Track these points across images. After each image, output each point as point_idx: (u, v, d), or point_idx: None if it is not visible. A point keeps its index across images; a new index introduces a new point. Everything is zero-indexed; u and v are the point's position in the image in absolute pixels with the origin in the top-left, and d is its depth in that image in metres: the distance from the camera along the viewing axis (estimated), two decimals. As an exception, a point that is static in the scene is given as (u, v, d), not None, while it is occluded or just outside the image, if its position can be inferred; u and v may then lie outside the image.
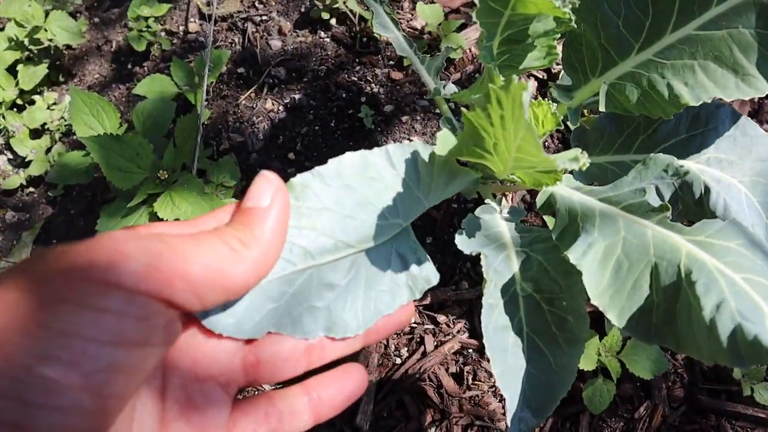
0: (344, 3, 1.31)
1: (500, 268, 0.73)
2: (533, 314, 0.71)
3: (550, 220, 1.14)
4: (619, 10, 0.72)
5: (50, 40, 1.46)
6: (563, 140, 1.23)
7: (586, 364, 1.02)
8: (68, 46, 1.55)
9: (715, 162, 0.80)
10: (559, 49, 0.77)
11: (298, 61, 1.34)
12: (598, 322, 1.10)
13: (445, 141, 0.61)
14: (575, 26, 0.67)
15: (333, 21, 1.36)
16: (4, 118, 1.44)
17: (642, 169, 0.69)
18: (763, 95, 0.67)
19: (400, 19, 1.36)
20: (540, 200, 0.76)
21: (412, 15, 1.37)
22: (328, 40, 1.36)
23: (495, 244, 0.75)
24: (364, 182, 0.56)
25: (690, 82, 0.70)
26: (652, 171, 0.69)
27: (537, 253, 0.74)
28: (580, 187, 0.75)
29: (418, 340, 1.10)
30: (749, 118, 0.81)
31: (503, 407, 1.06)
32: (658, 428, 1.07)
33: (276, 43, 1.36)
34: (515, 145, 0.51)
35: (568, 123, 0.83)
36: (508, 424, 0.67)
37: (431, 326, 1.10)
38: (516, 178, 0.73)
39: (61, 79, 1.54)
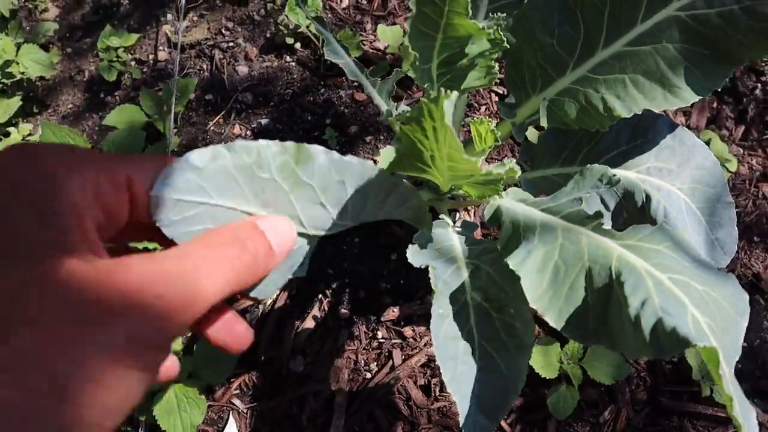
0: (307, 27, 1.35)
1: (450, 279, 0.76)
2: (483, 322, 0.74)
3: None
4: (552, 29, 0.76)
5: (22, 72, 1.49)
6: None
7: (548, 371, 1.05)
8: (41, 78, 1.58)
9: (655, 171, 0.83)
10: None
11: (264, 86, 1.37)
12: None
13: (387, 156, 0.64)
14: (508, 46, 0.71)
15: (298, 45, 1.40)
16: (-23, 150, 1.46)
17: (579, 179, 0.73)
18: (689, 105, 0.71)
19: (363, 40, 1.41)
20: (487, 213, 0.79)
21: (375, 36, 1.41)
22: (293, 64, 1.39)
23: (446, 257, 0.78)
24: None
25: (622, 95, 0.74)
26: (588, 181, 0.72)
27: (485, 263, 0.77)
28: (524, 199, 0.78)
29: (387, 354, 1.12)
30: (686, 128, 0.85)
31: (471, 417, 1.08)
32: (623, 431, 1.09)
33: (243, 69, 1.40)
34: (445, 153, 0.54)
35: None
36: (461, 426, 0.70)
37: (398, 340, 1.13)
38: (463, 192, 0.77)
39: (35, 110, 1.57)
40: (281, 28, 1.39)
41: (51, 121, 1.53)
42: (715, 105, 1.46)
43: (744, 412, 0.56)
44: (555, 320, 0.65)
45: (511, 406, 0.72)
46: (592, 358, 1.07)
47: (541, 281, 0.66)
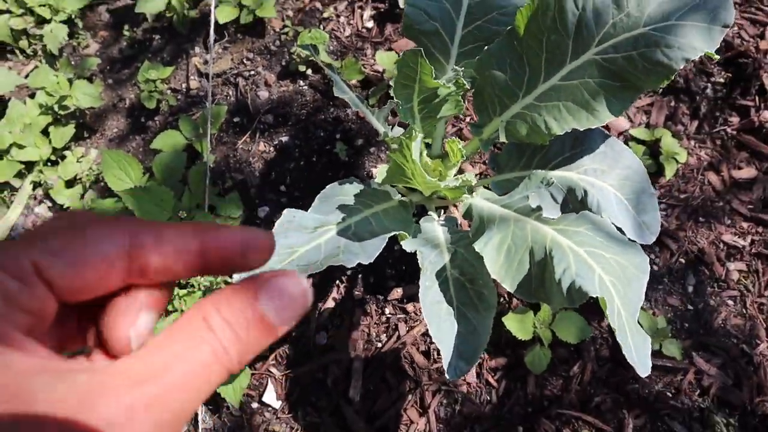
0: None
1: (435, 260, 1.01)
2: (460, 291, 0.99)
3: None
4: (504, 69, 1.00)
5: (75, 104, 1.75)
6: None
7: (524, 334, 1.29)
8: (90, 107, 1.84)
9: (591, 171, 1.08)
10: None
11: (282, 108, 1.63)
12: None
13: (382, 173, 0.89)
14: (469, 88, 0.96)
15: (309, 71, 1.65)
16: (42, 173, 1.73)
17: (527, 182, 0.98)
18: (604, 123, 0.95)
19: (364, 64, 1.65)
20: (462, 210, 1.04)
21: (374, 61, 1.66)
22: (306, 87, 1.65)
23: (432, 244, 1.03)
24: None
25: (557, 117, 0.98)
26: (533, 183, 0.97)
27: (461, 248, 1.02)
28: (489, 198, 1.03)
29: (393, 326, 1.38)
30: (615, 138, 1.09)
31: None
32: (589, 382, 1.34)
33: (263, 94, 1.65)
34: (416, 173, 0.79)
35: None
36: (445, 370, 0.95)
37: (403, 315, 1.38)
38: (442, 194, 1.02)
39: (86, 135, 1.83)
40: (294, 57, 1.64)
41: (100, 145, 1.79)
42: (672, 104, 1.69)
43: (636, 341, 0.81)
44: (509, 286, 0.90)
45: (481, 353, 0.96)
46: (559, 322, 1.31)
47: (499, 258, 0.91)
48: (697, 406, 1.32)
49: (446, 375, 0.95)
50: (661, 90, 1.68)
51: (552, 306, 0.85)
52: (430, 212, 1.12)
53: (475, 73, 1.02)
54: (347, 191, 0.98)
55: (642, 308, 1.40)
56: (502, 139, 1.05)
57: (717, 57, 0.88)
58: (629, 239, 0.93)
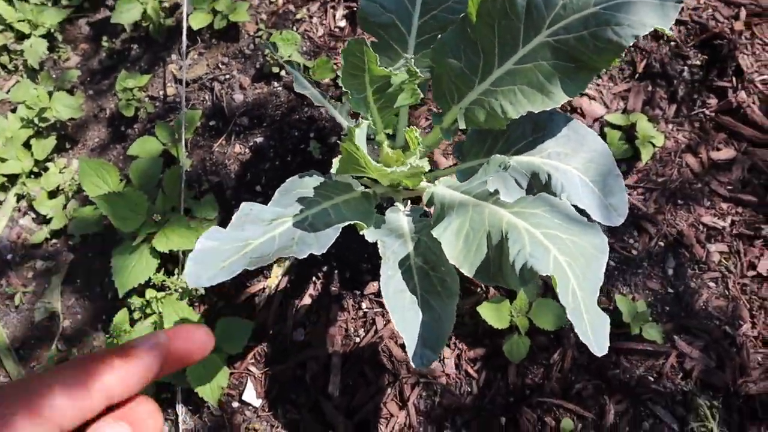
0: (289, 56, 1.61)
1: (398, 249, 1.01)
2: (424, 279, 0.99)
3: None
4: (459, 57, 1.00)
5: (55, 116, 1.76)
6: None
7: (500, 323, 1.28)
8: (70, 118, 1.85)
9: (555, 155, 1.08)
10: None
11: (257, 110, 1.63)
12: (511, 291, 1.37)
13: (336, 163, 0.90)
14: (422, 75, 0.96)
15: (283, 72, 1.66)
16: (25, 185, 1.74)
17: (486, 167, 0.97)
18: (559, 105, 0.95)
19: (336, 63, 1.66)
20: (425, 198, 1.04)
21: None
22: (280, 88, 1.65)
23: (396, 234, 1.03)
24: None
25: (513, 101, 0.98)
26: (492, 167, 0.97)
27: (424, 236, 1.02)
28: (451, 185, 1.03)
29: (371, 321, 1.37)
30: (577, 120, 1.09)
31: (442, 365, 1.33)
32: (570, 369, 1.33)
33: (239, 97, 1.66)
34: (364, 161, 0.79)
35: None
36: (410, 358, 0.94)
37: (380, 309, 1.38)
38: (404, 184, 1.02)
39: (68, 146, 1.84)
40: (268, 59, 1.65)
41: (81, 155, 1.80)
42: (650, 88, 1.68)
43: (593, 320, 0.81)
44: (468, 270, 0.90)
45: (446, 341, 0.96)
46: (536, 310, 1.31)
47: (457, 244, 0.91)
48: (679, 390, 1.31)
49: (411, 364, 0.95)
50: (637, 75, 1.68)
51: (511, 288, 0.85)
52: (396, 203, 1.12)
53: (432, 63, 1.02)
54: (307, 184, 0.99)
55: (621, 293, 1.39)
56: (462, 126, 1.05)
57: (671, 33, 0.88)
58: (590, 221, 0.92)
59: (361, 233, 0.96)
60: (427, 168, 0.87)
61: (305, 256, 0.80)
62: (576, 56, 0.93)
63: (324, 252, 0.82)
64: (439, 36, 1.00)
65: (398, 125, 1.12)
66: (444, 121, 1.07)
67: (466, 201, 0.95)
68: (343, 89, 0.93)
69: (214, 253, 0.75)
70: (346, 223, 0.87)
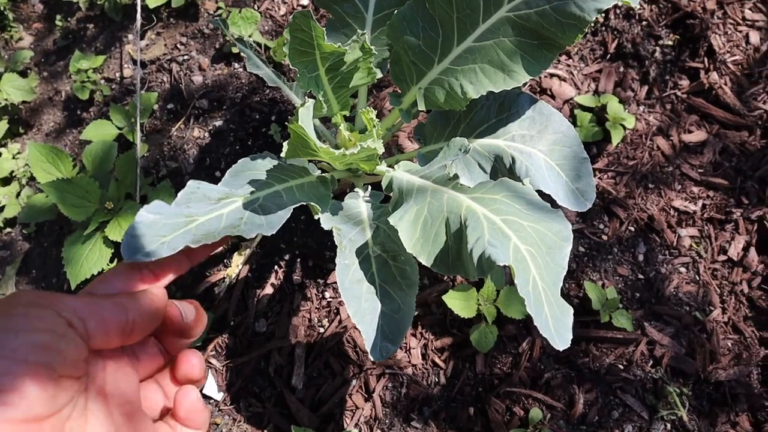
0: (250, 36, 1.54)
1: (355, 237, 0.96)
2: (382, 268, 0.94)
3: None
4: (418, 33, 0.95)
5: (6, 99, 1.68)
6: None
7: (467, 312, 1.25)
8: (23, 102, 1.77)
9: (519, 138, 1.03)
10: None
11: (217, 92, 1.57)
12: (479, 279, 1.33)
13: (285, 147, 0.84)
14: (376, 53, 0.90)
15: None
16: (-26, 171, 1.66)
17: (446, 150, 0.93)
18: (521, 84, 0.90)
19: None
20: (384, 183, 0.99)
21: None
22: (241, 70, 1.59)
23: (353, 221, 0.98)
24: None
25: (474, 81, 0.93)
26: (452, 151, 0.92)
27: (383, 224, 0.97)
28: (410, 169, 0.98)
29: (335, 311, 1.33)
30: (543, 101, 1.04)
31: (408, 356, 1.29)
32: (539, 358, 1.30)
33: (198, 78, 1.59)
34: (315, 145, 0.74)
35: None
36: (369, 351, 0.90)
37: (344, 298, 1.33)
38: (360, 167, 0.97)
39: (21, 130, 1.76)
40: (228, 39, 1.58)
41: (36, 140, 1.72)
42: (621, 69, 1.64)
43: (554, 312, 0.77)
44: (426, 260, 0.85)
45: (406, 332, 0.92)
46: (504, 299, 1.27)
47: (415, 232, 0.86)
48: (649, 377, 1.29)
49: (370, 357, 0.91)
50: (609, 56, 1.64)
51: (470, 278, 0.80)
52: (357, 189, 1.07)
53: (389, 40, 0.97)
54: (260, 166, 0.93)
55: (591, 279, 1.36)
56: (421, 107, 1.00)
57: (635, 6, 0.83)
58: (556, 206, 0.88)
59: (316, 217, 0.92)
60: (381, 150, 0.82)
61: (253, 236, 0.75)
62: (538, 32, 0.89)
63: (273, 233, 0.77)
64: (396, 11, 0.95)
65: (357, 107, 1.06)
66: (403, 102, 1.02)
67: (425, 186, 0.90)
68: (292, 67, 0.87)
69: (154, 226, 0.69)
70: (299, 204, 0.81)
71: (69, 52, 1.81)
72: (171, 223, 0.76)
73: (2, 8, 1.86)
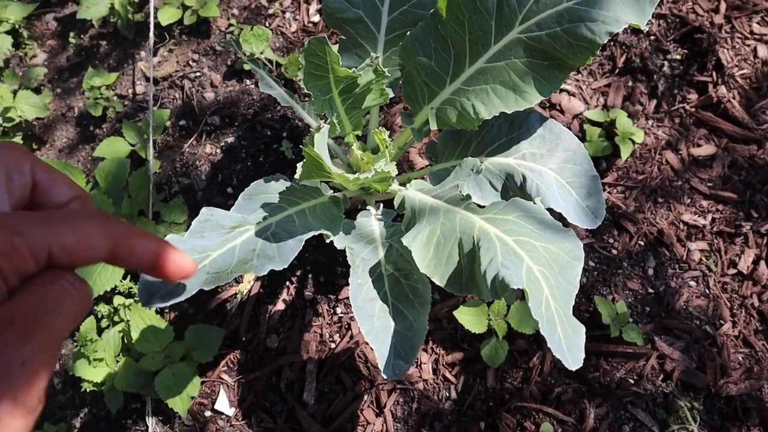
0: (261, 53, 1.56)
1: (368, 256, 0.97)
2: (395, 287, 0.95)
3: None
4: (430, 54, 0.96)
5: (20, 116, 1.70)
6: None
7: (478, 327, 1.25)
8: (37, 118, 1.79)
9: (530, 156, 1.04)
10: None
11: (229, 108, 1.58)
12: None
13: (299, 169, 0.85)
14: (389, 75, 0.92)
15: (256, 70, 1.61)
16: (-12, 187, 1.68)
17: (458, 170, 0.94)
18: (533, 105, 0.92)
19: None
20: (396, 202, 1.00)
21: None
22: (252, 86, 1.60)
23: (366, 239, 1.00)
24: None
25: (485, 101, 0.95)
26: (464, 170, 0.93)
27: (396, 242, 0.98)
28: (422, 188, 0.99)
29: (346, 326, 1.34)
30: (554, 120, 1.05)
31: (419, 371, 1.30)
32: (549, 373, 1.31)
33: (210, 95, 1.61)
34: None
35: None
36: (382, 369, 0.91)
37: (356, 313, 1.34)
38: (372, 187, 0.98)
39: (35, 146, 1.78)
40: (239, 56, 1.60)
41: (49, 157, 1.75)
42: (630, 84, 1.65)
43: (566, 332, 0.77)
44: (439, 280, 0.86)
45: (419, 350, 0.93)
46: (515, 314, 1.28)
47: (428, 252, 0.88)
48: (660, 392, 1.29)
49: (383, 374, 0.92)
50: (617, 70, 1.65)
51: (483, 298, 0.81)
52: (369, 206, 1.08)
53: (401, 61, 0.98)
54: (273, 189, 0.94)
55: (601, 294, 1.37)
56: (433, 127, 1.01)
57: (645, 29, 0.85)
58: (565, 225, 0.89)
59: (328, 241, 0.93)
60: (395, 173, 0.83)
61: (265, 273, 0.76)
62: (549, 54, 0.90)
63: (286, 267, 0.78)
64: (409, 33, 0.97)
65: (369, 126, 1.08)
66: (415, 122, 1.03)
67: (437, 206, 0.91)
68: (306, 91, 0.89)
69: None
70: (310, 235, 0.83)
71: (82, 68, 1.83)
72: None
73: (17, 26, 1.88)
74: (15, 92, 1.75)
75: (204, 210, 0.87)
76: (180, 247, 0.79)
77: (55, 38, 1.94)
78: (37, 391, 0.34)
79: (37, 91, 1.84)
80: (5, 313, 0.35)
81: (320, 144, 0.69)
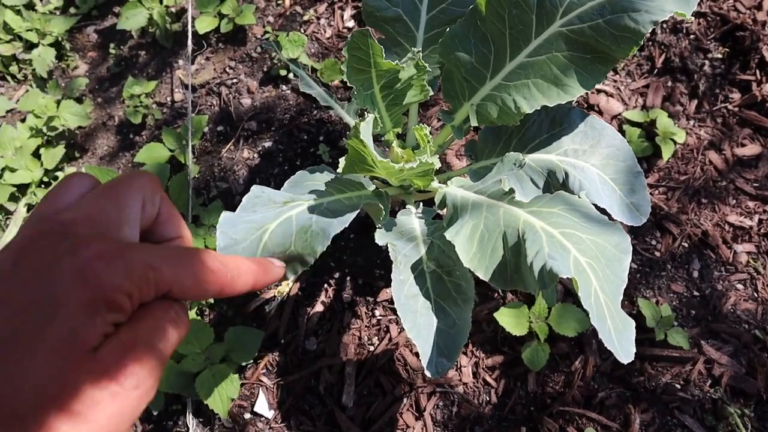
0: (297, 58, 1.57)
1: (409, 253, 0.96)
2: (437, 284, 0.94)
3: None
4: (470, 50, 0.96)
5: (63, 125, 1.75)
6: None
7: (519, 330, 1.23)
8: (79, 127, 1.84)
9: (572, 152, 1.03)
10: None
11: (266, 114, 1.60)
12: (529, 296, 1.32)
13: (343, 163, 0.85)
14: (430, 70, 0.91)
15: (290, 75, 1.62)
16: (35, 195, 1.72)
17: (500, 165, 0.93)
18: (575, 98, 0.90)
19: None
20: (437, 199, 0.99)
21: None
22: (288, 91, 1.62)
23: (407, 237, 0.99)
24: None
25: (527, 96, 0.94)
26: (507, 165, 0.92)
27: (437, 239, 0.97)
28: (463, 185, 0.98)
29: (385, 329, 1.33)
30: (594, 115, 1.04)
31: (459, 374, 1.28)
32: (592, 377, 1.28)
33: (246, 101, 1.63)
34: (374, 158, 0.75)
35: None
36: (425, 367, 0.90)
37: (393, 316, 1.33)
38: (413, 183, 0.97)
39: (77, 154, 1.82)
40: (275, 62, 1.62)
41: (91, 164, 1.78)
42: (669, 84, 1.62)
43: (616, 325, 0.76)
44: (483, 274, 0.85)
45: (462, 348, 0.91)
46: (556, 316, 1.25)
47: (471, 246, 0.86)
48: (708, 397, 1.25)
49: (426, 373, 0.90)
50: (656, 70, 1.62)
51: (530, 291, 0.80)
52: (408, 205, 1.08)
53: (440, 58, 0.98)
54: (318, 178, 0.94)
55: (644, 296, 1.33)
56: (474, 123, 1.01)
57: (690, 19, 0.83)
58: (612, 219, 0.87)
59: (374, 234, 0.92)
60: (438, 165, 0.83)
61: (329, 240, 0.76)
62: (592, 46, 0.89)
63: (342, 229, 0.78)
64: (448, 29, 0.96)
65: (408, 124, 1.07)
66: (455, 119, 1.03)
67: (480, 201, 0.90)
68: (349, 84, 0.89)
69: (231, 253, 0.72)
70: (362, 209, 0.82)
71: (122, 78, 1.87)
72: (246, 245, 0.78)
73: (60, 38, 1.94)
74: (58, 102, 1.80)
75: (255, 187, 0.88)
76: (234, 221, 0.80)
77: (95, 50, 1.98)
78: (138, 415, 0.38)
79: (79, 100, 1.88)
80: (129, 337, 0.38)
81: (366, 134, 0.69)
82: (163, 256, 0.41)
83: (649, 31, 0.83)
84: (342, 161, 0.85)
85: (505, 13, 0.90)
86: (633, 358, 0.76)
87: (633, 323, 0.79)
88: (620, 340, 0.75)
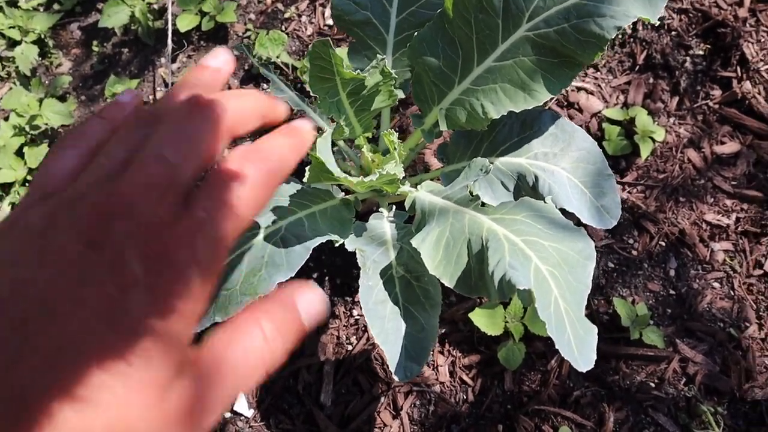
0: (277, 57, 1.57)
1: (379, 258, 0.97)
2: (406, 289, 0.95)
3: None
4: (438, 55, 0.96)
5: (46, 123, 1.75)
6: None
7: (494, 330, 1.24)
8: (62, 125, 1.83)
9: (542, 156, 1.03)
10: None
11: (247, 113, 1.60)
12: (507, 294, 1.32)
13: (308, 173, 0.86)
14: (396, 76, 0.91)
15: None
16: (19, 194, 1.73)
17: (467, 170, 0.93)
18: (542, 103, 0.90)
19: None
20: (407, 204, 1.00)
21: (339, 60, 1.62)
22: (270, 90, 1.61)
23: (377, 241, 1.00)
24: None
25: (494, 100, 0.94)
26: (474, 171, 0.92)
27: (407, 244, 0.98)
28: (433, 190, 0.99)
29: (363, 328, 1.34)
30: (566, 118, 1.04)
31: (435, 373, 1.29)
32: (567, 375, 1.29)
33: (228, 100, 1.63)
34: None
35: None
36: (393, 371, 0.91)
37: (371, 316, 1.34)
38: (383, 188, 0.98)
39: (60, 153, 1.82)
40: (252, 61, 1.61)
41: (74, 162, 1.78)
42: (651, 81, 1.62)
43: (577, 333, 0.76)
44: (448, 281, 0.85)
45: (430, 352, 0.92)
46: (531, 316, 1.26)
47: (437, 253, 0.87)
48: (682, 396, 1.26)
49: (395, 377, 0.91)
50: (638, 67, 1.62)
51: (491, 299, 0.81)
52: (381, 208, 1.08)
53: (409, 62, 0.98)
54: (283, 191, 0.95)
55: (620, 295, 1.34)
56: (443, 128, 1.01)
57: (656, 23, 0.83)
58: (580, 224, 0.88)
59: (337, 245, 0.93)
60: (401, 175, 0.83)
61: (273, 286, 0.77)
62: (558, 51, 0.89)
63: (293, 276, 0.78)
64: (416, 33, 0.96)
65: (381, 127, 1.08)
66: (425, 123, 1.03)
67: (447, 207, 0.91)
68: (312, 94, 0.89)
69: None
70: (318, 242, 0.83)
71: (105, 76, 1.86)
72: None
73: (43, 36, 1.93)
74: (41, 100, 1.79)
75: None
76: None
77: (79, 47, 1.98)
78: None
79: (62, 99, 1.88)
80: (214, 358, 0.31)
81: (322, 148, 0.69)
82: None
83: (613, 36, 0.83)
84: (308, 170, 0.86)
85: (472, 17, 0.90)
86: (592, 366, 0.76)
87: (595, 329, 0.80)
88: (581, 348, 0.76)
